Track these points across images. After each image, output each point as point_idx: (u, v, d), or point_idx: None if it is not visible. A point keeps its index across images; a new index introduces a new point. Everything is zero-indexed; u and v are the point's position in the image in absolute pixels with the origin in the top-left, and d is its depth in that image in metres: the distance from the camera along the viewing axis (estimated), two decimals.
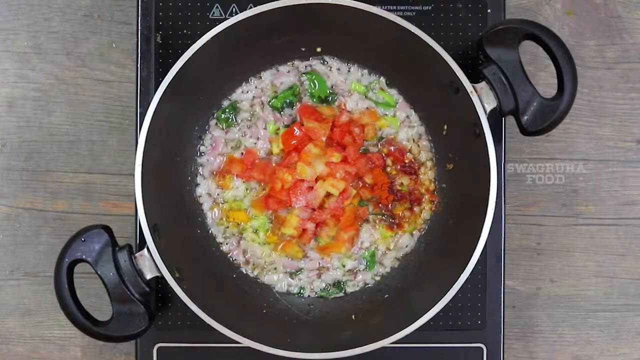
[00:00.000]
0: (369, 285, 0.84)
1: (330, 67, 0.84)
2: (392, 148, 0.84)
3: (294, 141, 0.82)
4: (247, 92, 0.84)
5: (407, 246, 0.84)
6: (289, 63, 0.84)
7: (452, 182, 0.83)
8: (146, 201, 0.73)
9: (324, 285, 0.84)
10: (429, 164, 0.84)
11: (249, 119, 0.84)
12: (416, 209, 0.84)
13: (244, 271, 0.84)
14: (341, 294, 0.84)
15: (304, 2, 0.73)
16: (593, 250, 0.89)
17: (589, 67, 0.89)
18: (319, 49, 0.83)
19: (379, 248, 0.84)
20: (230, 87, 0.84)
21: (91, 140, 0.88)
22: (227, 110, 0.84)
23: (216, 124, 0.84)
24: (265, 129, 0.84)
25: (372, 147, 0.84)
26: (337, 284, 0.84)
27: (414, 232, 0.84)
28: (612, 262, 0.89)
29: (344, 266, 0.84)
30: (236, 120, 0.84)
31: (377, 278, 0.84)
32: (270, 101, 0.84)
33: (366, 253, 0.84)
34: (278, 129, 0.84)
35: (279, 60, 0.84)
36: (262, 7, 0.73)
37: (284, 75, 0.84)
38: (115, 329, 0.71)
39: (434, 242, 0.83)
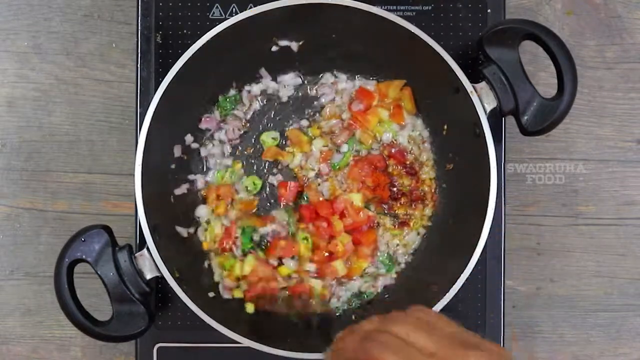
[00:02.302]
0: (390, 286, 0.84)
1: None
2: (393, 150, 0.84)
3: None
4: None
5: (415, 242, 0.84)
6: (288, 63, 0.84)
7: (452, 182, 0.83)
8: (146, 201, 0.73)
9: (349, 295, 0.83)
10: (429, 163, 0.84)
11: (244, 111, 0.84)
12: (419, 205, 0.83)
13: None
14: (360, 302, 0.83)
15: (304, 2, 0.73)
16: (593, 250, 0.89)
17: (589, 67, 0.89)
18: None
19: (389, 246, 0.84)
20: (230, 87, 0.84)
21: (91, 140, 0.88)
22: (228, 99, 0.83)
23: (217, 109, 0.84)
24: None
25: (374, 150, 0.84)
26: (360, 294, 0.84)
27: (420, 230, 0.84)
28: (612, 262, 0.89)
29: (363, 277, 0.83)
30: (234, 110, 0.83)
31: (394, 276, 0.84)
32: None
33: (385, 256, 0.84)
34: None
35: (278, 60, 0.84)
36: (262, 7, 0.73)
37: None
38: (115, 329, 0.71)
39: (434, 242, 0.83)
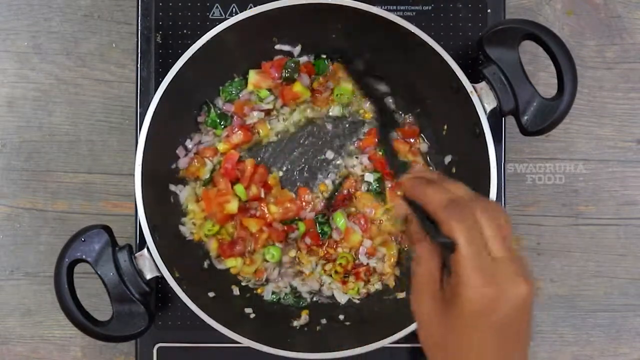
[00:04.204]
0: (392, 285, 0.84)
1: None
2: None
3: None
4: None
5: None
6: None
7: None
8: (146, 201, 0.73)
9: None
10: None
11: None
12: None
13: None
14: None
15: (304, 2, 0.73)
16: (593, 250, 0.89)
17: (589, 67, 0.89)
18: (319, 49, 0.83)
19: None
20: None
21: (91, 140, 0.88)
22: (233, 84, 0.83)
23: (221, 94, 0.83)
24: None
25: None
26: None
27: None
28: (612, 262, 0.88)
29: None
30: (239, 97, 0.83)
31: (397, 274, 0.84)
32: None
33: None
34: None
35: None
36: (262, 7, 0.73)
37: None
38: (115, 329, 0.71)
39: None
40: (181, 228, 0.82)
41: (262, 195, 0.82)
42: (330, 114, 0.84)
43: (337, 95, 0.83)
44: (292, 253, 0.83)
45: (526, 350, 0.53)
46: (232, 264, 0.82)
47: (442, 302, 0.52)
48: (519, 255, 0.52)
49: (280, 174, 0.84)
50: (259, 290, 0.83)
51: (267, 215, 0.82)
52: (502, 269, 0.50)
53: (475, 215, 0.51)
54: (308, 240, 0.83)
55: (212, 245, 0.82)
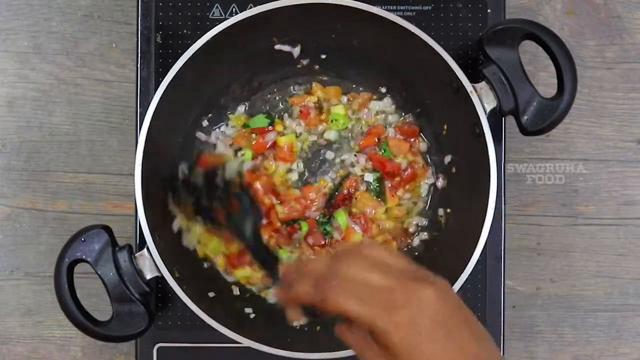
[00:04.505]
0: None
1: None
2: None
3: None
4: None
5: (415, 243, 0.84)
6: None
7: (452, 182, 0.83)
8: (146, 201, 0.73)
9: None
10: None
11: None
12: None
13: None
14: None
15: (304, 2, 0.73)
16: (593, 250, 0.89)
17: (589, 67, 0.89)
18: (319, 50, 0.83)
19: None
20: (229, 85, 0.84)
21: (91, 140, 0.88)
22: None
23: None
24: None
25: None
26: None
27: (419, 230, 0.84)
28: (612, 262, 0.88)
29: None
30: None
31: None
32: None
33: None
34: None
35: (278, 61, 0.84)
36: (262, 7, 0.73)
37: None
38: (115, 329, 0.71)
39: (433, 242, 0.83)
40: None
41: (274, 202, 0.82)
42: (326, 137, 0.85)
43: (331, 121, 0.84)
44: (296, 254, 0.83)
45: (481, 333, 0.53)
46: (242, 274, 0.82)
47: (386, 355, 0.52)
48: (408, 266, 0.54)
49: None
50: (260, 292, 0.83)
51: (277, 223, 0.82)
52: (399, 291, 0.51)
53: (344, 274, 0.52)
54: (311, 240, 0.83)
55: (219, 261, 0.82)
